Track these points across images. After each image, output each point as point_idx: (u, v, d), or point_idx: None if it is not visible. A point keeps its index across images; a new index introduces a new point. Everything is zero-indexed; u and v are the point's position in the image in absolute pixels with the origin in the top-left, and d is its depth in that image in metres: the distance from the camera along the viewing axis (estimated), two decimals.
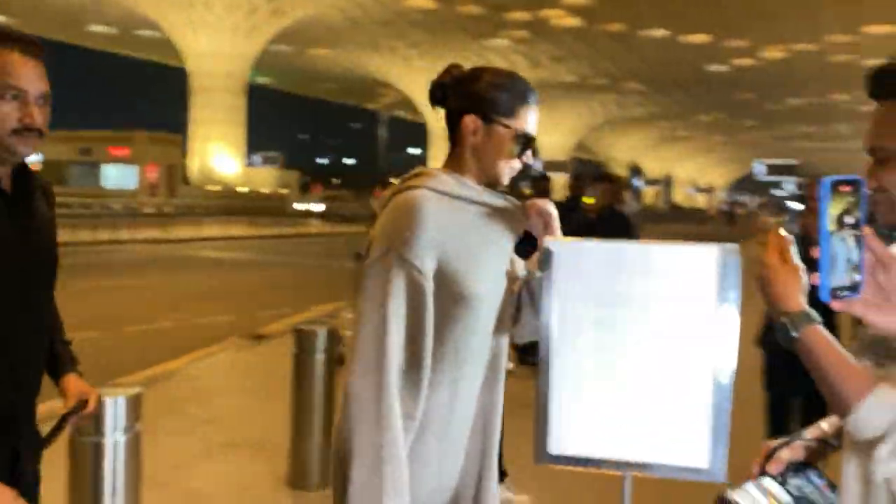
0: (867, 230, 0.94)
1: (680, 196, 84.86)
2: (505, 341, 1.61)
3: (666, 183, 76.47)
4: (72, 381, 1.82)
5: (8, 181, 1.63)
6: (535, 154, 1.60)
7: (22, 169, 1.67)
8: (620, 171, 70.30)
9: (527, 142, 1.57)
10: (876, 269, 0.93)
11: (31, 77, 1.57)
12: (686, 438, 1.08)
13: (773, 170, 71.30)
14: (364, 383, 1.40)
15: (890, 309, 0.93)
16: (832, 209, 0.92)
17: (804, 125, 70.77)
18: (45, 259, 1.73)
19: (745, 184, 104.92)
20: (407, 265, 1.46)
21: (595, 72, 47.08)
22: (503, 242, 1.59)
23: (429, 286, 1.46)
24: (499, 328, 1.57)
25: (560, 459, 1.15)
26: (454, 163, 1.62)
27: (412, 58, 42.29)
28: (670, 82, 51.09)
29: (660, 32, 39.10)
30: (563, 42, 39.39)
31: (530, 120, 1.58)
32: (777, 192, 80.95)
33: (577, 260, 1.08)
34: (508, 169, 1.59)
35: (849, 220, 0.92)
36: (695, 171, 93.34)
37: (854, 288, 0.92)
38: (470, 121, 1.56)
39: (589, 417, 1.11)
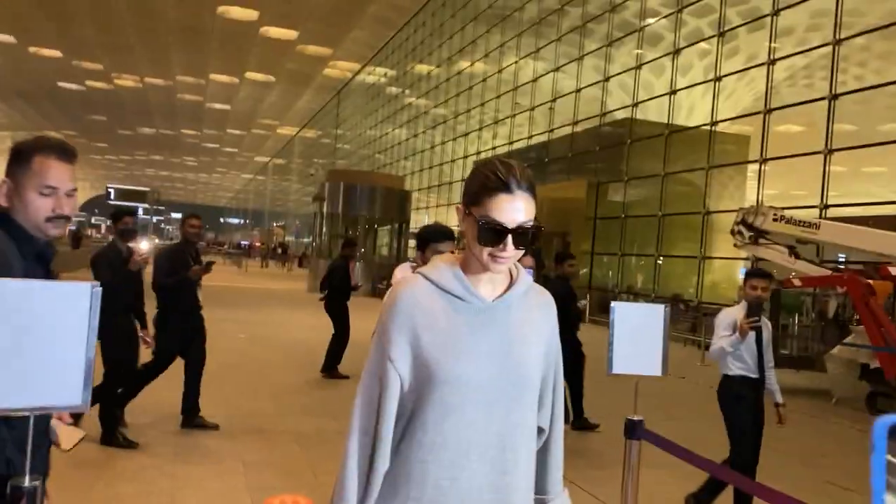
0: None
1: None
2: (520, 431, 1.59)
3: None
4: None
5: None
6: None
7: (48, 244, 2.11)
8: None
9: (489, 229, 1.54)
10: None
11: (62, 177, 2.02)
12: (68, 390, 1.85)
13: (125, 195, 72.57)
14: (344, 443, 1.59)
15: None
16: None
17: (155, 153, 74.19)
18: None
19: (100, 205, 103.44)
20: (380, 347, 1.60)
21: None
22: (490, 332, 1.60)
23: (396, 367, 1.57)
24: (504, 417, 1.57)
25: None
26: (465, 251, 1.66)
27: None
28: (17, 92, 47.36)
29: (7, 38, 36.13)
30: None
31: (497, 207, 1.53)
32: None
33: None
34: (488, 256, 1.56)
35: None
36: None
37: None
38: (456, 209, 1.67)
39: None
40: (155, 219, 76.61)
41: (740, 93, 19.09)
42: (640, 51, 21.36)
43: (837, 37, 14.34)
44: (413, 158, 39.96)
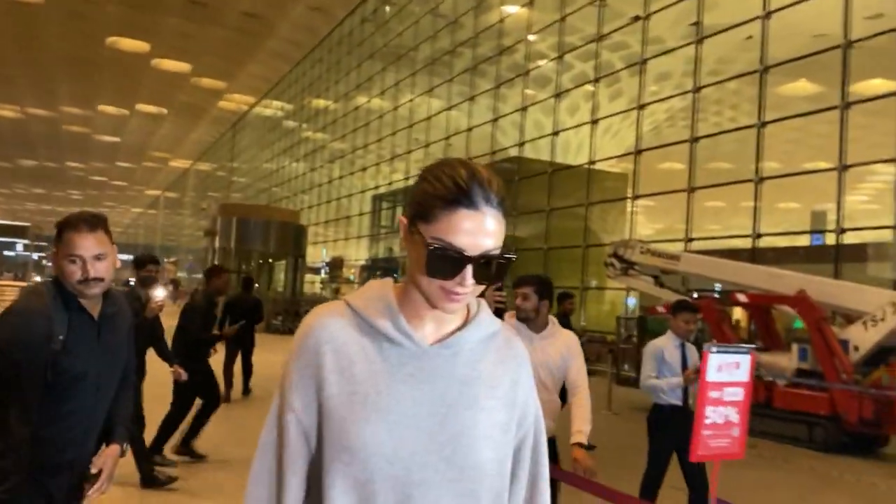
0: None
1: None
2: None
3: None
4: (105, 453, 2.42)
5: (95, 309, 2.40)
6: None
7: (105, 296, 2.43)
8: None
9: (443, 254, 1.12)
10: None
11: (87, 246, 2.31)
12: None
13: (2, 230, 68.46)
14: None
15: None
16: None
17: (37, 187, 70.51)
18: (117, 360, 2.51)
19: None
20: (281, 393, 1.23)
21: None
22: (430, 384, 1.18)
23: (301, 419, 1.20)
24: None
25: None
26: (406, 279, 1.23)
27: None
28: None
29: None
30: None
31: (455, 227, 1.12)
32: (8, 253, 77.63)
33: None
34: (438, 290, 1.14)
35: None
36: None
37: None
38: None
39: None
40: (36, 255, 72.49)
41: (625, 133, 20.43)
42: (529, 91, 22.52)
43: (697, 85, 15.79)
44: (311, 192, 39.94)
